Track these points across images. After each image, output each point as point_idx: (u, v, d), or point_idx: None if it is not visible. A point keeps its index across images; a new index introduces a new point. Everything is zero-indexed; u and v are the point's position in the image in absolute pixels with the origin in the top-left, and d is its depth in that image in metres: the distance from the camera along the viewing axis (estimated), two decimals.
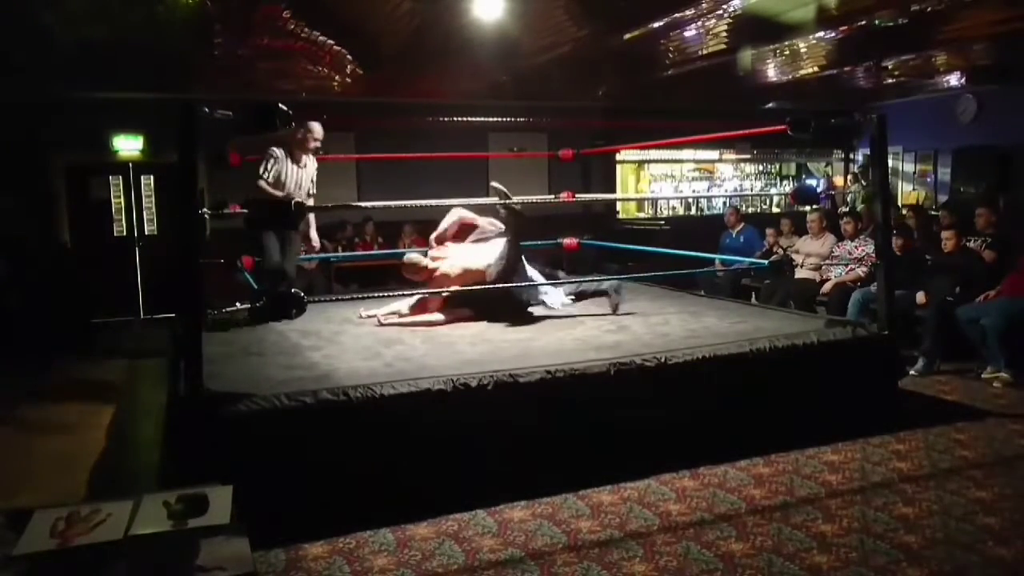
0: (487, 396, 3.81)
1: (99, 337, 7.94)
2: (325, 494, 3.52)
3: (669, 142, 8.71)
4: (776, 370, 4.49)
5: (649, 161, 11.54)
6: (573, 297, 5.61)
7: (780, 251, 7.83)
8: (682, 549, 3.21)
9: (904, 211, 8.51)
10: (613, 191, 10.90)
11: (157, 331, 7.86)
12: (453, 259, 5.39)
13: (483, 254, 5.35)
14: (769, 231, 8.48)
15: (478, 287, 5.17)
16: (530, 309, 5.45)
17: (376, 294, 5.34)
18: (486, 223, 5.66)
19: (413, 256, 5.47)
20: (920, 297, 6.19)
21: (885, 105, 10.30)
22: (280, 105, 3.56)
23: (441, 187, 8.23)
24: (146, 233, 9.21)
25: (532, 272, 5.59)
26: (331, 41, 6.41)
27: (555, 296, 5.51)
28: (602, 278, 6.25)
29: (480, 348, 4.52)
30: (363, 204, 8.71)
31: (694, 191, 11.72)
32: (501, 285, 5.11)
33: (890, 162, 7.26)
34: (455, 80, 8.22)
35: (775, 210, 11.38)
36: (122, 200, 9.13)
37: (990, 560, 3.09)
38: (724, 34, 6.51)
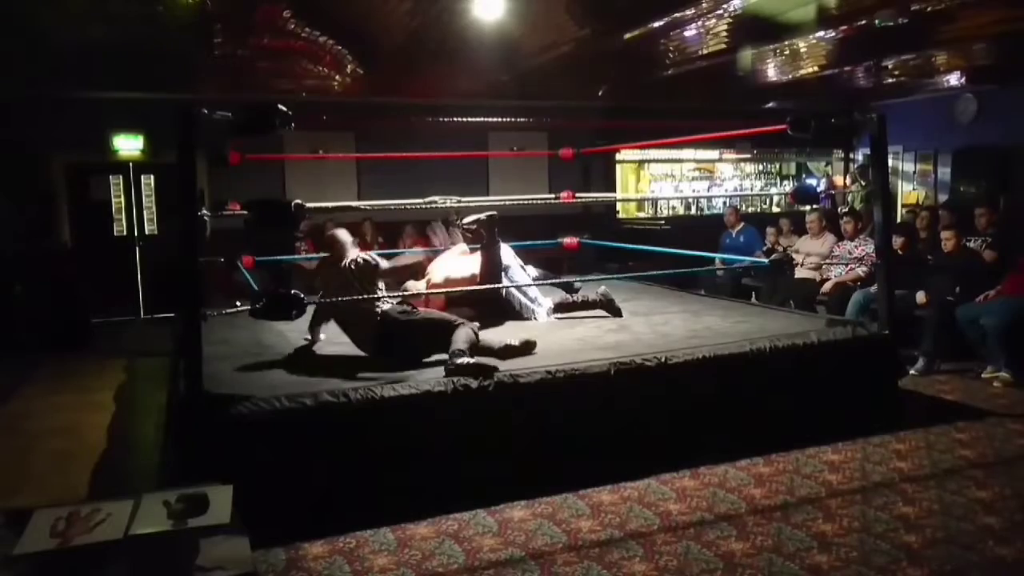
0: (487, 397, 3.82)
1: (99, 337, 7.95)
2: (325, 494, 3.52)
3: (669, 142, 8.70)
4: (776, 370, 4.49)
5: (649, 161, 11.53)
6: (552, 309, 5.55)
7: (781, 250, 7.83)
8: (682, 549, 3.21)
9: (921, 212, 8.48)
10: (613, 191, 10.88)
11: (157, 331, 7.87)
12: (438, 272, 5.46)
13: (467, 264, 5.41)
14: (770, 230, 8.49)
15: (473, 287, 5.20)
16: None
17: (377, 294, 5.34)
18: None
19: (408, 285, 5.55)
20: (920, 297, 6.19)
21: (885, 105, 10.30)
22: (280, 106, 3.57)
23: (441, 187, 8.19)
24: (146, 233, 9.21)
25: (524, 277, 5.57)
26: (331, 41, 6.41)
27: (542, 311, 5.51)
28: (590, 278, 6.24)
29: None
30: (363, 204, 8.72)
31: (694, 191, 11.71)
32: (490, 286, 5.14)
33: (890, 162, 7.26)
34: (455, 80, 8.22)
35: (775, 210, 11.37)
36: (122, 200, 9.13)
37: (990, 560, 3.09)
38: (724, 34, 6.50)
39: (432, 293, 5.20)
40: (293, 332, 4.99)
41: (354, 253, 4.57)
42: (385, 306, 4.38)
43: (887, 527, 3.38)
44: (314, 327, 4.79)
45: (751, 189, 11.94)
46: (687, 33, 6.43)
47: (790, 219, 8.74)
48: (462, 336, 4.08)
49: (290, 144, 9.11)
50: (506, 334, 4.94)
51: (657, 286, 7.01)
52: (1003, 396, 5.38)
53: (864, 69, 8.46)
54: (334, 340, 4.78)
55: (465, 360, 3.89)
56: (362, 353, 4.42)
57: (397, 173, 9.52)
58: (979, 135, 9.81)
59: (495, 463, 3.81)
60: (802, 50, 7.30)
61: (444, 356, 4.03)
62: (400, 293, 4.78)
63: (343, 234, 4.69)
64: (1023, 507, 3.56)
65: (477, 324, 4.32)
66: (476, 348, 4.12)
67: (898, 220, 9.77)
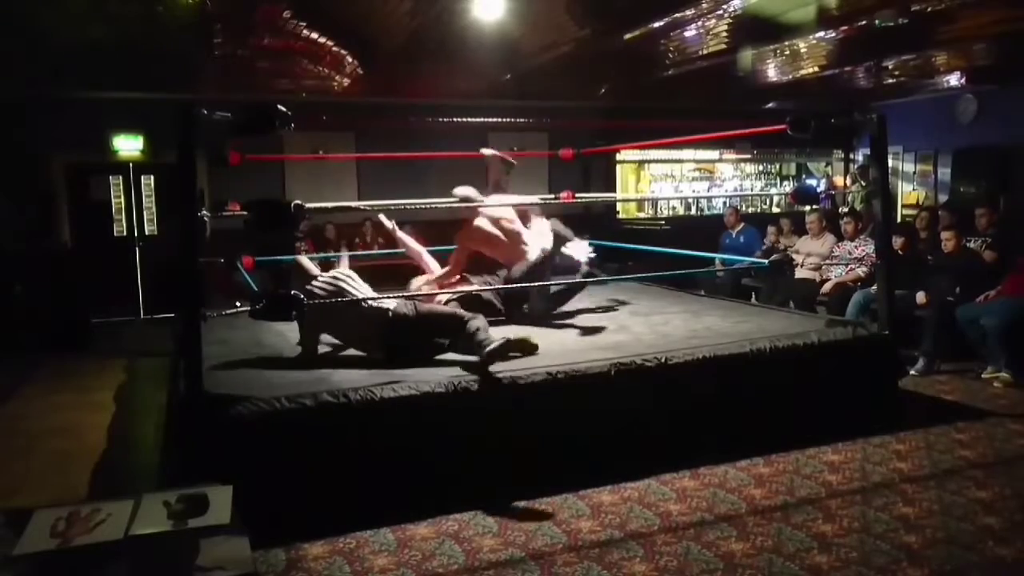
0: (487, 397, 3.82)
1: (99, 337, 7.95)
2: (325, 494, 3.52)
3: (669, 142, 8.70)
4: (776, 370, 4.49)
5: (649, 161, 11.54)
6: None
7: (781, 250, 7.82)
8: (682, 549, 3.21)
9: (921, 212, 8.47)
10: (613, 191, 10.88)
11: (157, 331, 7.86)
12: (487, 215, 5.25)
13: (530, 233, 5.26)
14: (771, 229, 8.47)
15: (497, 287, 5.21)
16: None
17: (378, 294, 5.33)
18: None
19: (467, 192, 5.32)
20: (920, 297, 6.19)
21: (885, 105, 10.29)
22: (279, 106, 3.57)
23: (441, 187, 8.20)
24: (146, 233, 9.21)
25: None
26: (331, 41, 6.41)
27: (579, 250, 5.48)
28: (589, 279, 6.20)
29: None
30: (363, 204, 8.72)
31: (694, 191, 11.72)
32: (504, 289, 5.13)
33: (890, 162, 7.25)
34: (455, 80, 8.22)
35: (775, 210, 11.38)
36: (122, 200, 9.13)
37: (990, 560, 3.09)
38: (724, 34, 6.50)
39: (437, 293, 5.18)
40: (293, 332, 4.97)
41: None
42: (391, 304, 4.35)
43: (887, 527, 3.38)
44: (308, 342, 4.56)
45: (751, 189, 11.95)
46: (687, 33, 6.43)
47: (791, 219, 8.74)
48: (480, 325, 4.08)
49: (290, 144, 9.11)
50: (511, 326, 4.97)
51: (657, 286, 7.01)
52: (1003, 396, 5.38)
53: (864, 69, 8.46)
54: (334, 341, 4.79)
55: (496, 344, 3.91)
56: (362, 354, 4.41)
57: (397, 173, 9.52)
58: (979, 135, 9.81)
59: (495, 463, 3.81)
60: (802, 50, 7.30)
61: (449, 353, 4.02)
62: (405, 293, 4.76)
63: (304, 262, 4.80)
64: (1023, 507, 3.56)
65: (483, 317, 4.31)
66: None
67: (898, 220, 9.78)
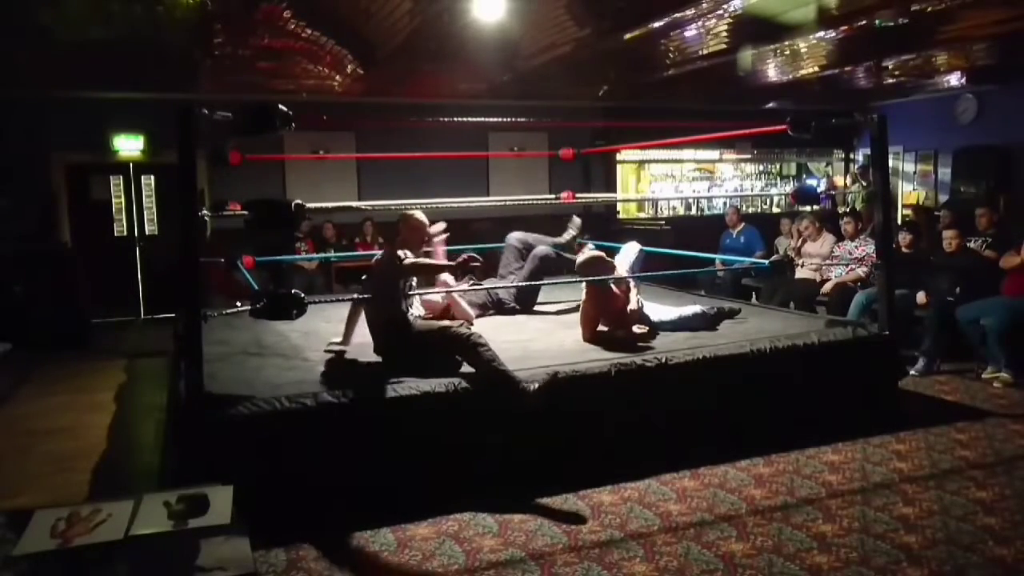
0: (487, 397, 3.82)
1: (99, 336, 7.95)
2: (325, 494, 3.52)
3: (669, 142, 8.71)
4: (776, 370, 4.49)
5: (649, 161, 11.54)
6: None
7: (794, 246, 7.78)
8: (682, 549, 3.21)
9: (909, 212, 8.47)
10: (613, 191, 10.89)
11: (157, 331, 7.87)
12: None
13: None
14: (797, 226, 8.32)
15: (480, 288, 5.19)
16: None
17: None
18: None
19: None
20: (921, 297, 6.19)
21: (885, 105, 10.31)
22: (280, 106, 3.57)
23: (441, 187, 8.23)
24: (146, 233, 9.22)
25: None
26: (331, 41, 6.41)
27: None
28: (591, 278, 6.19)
29: None
30: (363, 204, 8.72)
31: (694, 191, 11.72)
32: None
33: (890, 162, 7.25)
34: (455, 80, 8.22)
35: (775, 210, 11.38)
36: (122, 200, 9.14)
37: (990, 560, 3.09)
38: (724, 34, 6.50)
39: (449, 291, 5.16)
40: (293, 332, 5.00)
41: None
42: (411, 314, 4.25)
43: (887, 528, 3.38)
44: (350, 327, 4.53)
45: (751, 189, 11.95)
46: (687, 33, 6.43)
47: (790, 219, 8.73)
48: (493, 355, 3.91)
49: (290, 144, 9.11)
50: (511, 326, 4.95)
51: (656, 286, 7.01)
52: (1003, 396, 5.38)
53: (864, 69, 8.46)
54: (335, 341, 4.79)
55: (539, 384, 3.88)
56: (362, 354, 4.40)
57: (397, 173, 9.53)
58: (979, 135, 9.81)
59: (495, 463, 3.81)
60: (802, 50, 7.30)
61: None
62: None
63: (420, 216, 4.44)
64: (1023, 507, 3.56)
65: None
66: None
67: (899, 220, 9.78)
